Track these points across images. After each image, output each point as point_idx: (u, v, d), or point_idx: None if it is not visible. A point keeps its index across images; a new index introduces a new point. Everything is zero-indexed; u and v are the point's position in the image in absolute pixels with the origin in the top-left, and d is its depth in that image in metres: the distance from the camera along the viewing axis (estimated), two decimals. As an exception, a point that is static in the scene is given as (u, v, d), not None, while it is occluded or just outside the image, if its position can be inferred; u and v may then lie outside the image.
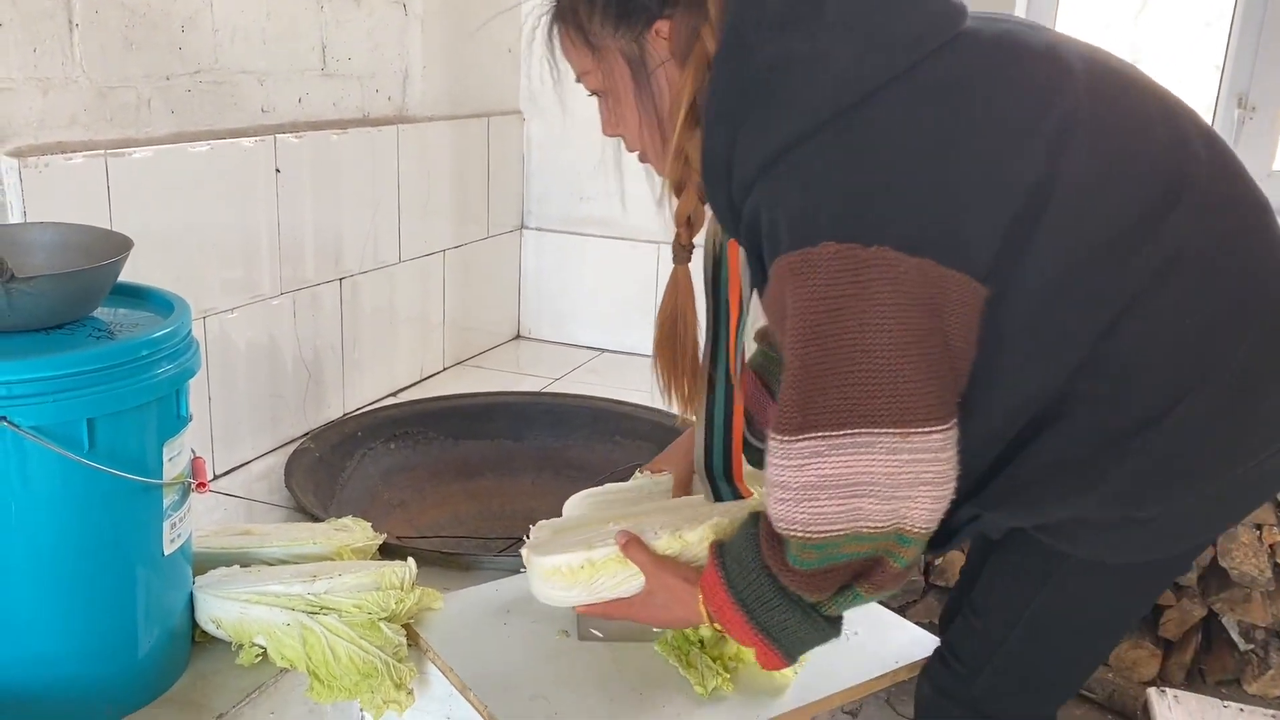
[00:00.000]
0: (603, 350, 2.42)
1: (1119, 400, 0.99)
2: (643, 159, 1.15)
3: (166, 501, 1.07)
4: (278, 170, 1.66)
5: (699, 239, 1.17)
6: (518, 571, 1.38)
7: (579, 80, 1.13)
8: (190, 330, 1.09)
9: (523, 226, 2.43)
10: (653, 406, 1.93)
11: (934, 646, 1.26)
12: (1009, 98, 0.96)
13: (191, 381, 1.09)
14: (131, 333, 1.04)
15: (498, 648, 1.21)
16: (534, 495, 1.75)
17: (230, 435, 1.65)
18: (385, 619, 1.17)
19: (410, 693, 1.14)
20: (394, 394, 2.05)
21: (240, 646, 1.16)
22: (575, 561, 1.13)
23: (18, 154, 1.27)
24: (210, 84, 1.54)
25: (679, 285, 1.18)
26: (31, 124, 1.30)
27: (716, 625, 1.07)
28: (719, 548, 1.08)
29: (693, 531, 1.13)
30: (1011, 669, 1.18)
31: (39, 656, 1.01)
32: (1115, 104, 0.99)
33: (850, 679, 1.20)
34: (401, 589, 1.19)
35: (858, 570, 0.99)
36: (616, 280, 2.38)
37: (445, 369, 2.23)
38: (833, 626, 1.05)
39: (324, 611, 1.15)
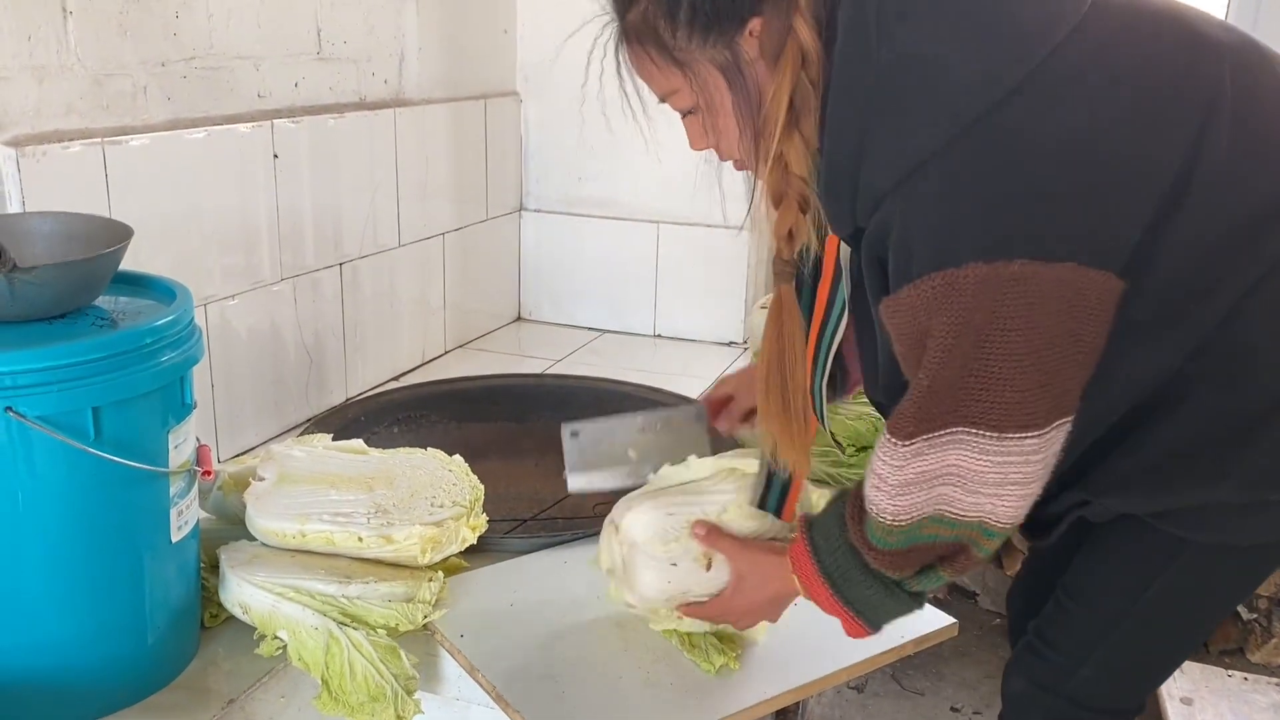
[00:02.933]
0: (604, 331, 2.42)
1: (1243, 382, 0.97)
2: (740, 167, 1.08)
3: (173, 489, 1.07)
4: (275, 156, 1.65)
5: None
6: (524, 553, 1.39)
7: (663, 101, 1.06)
8: (193, 318, 1.08)
9: (522, 208, 2.43)
10: (654, 386, 1.94)
11: (944, 623, 1.26)
12: (1150, 81, 0.92)
13: (194, 369, 1.09)
14: (134, 321, 1.04)
15: (505, 629, 1.22)
16: (538, 477, 1.75)
17: (234, 422, 1.65)
18: (410, 631, 1.17)
19: None
20: (396, 378, 2.05)
21: (263, 637, 1.16)
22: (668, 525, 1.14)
23: (15, 143, 1.26)
24: (206, 70, 1.53)
25: (785, 307, 1.09)
26: (28, 113, 1.29)
27: (807, 597, 1.08)
28: (807, 521, 1.08)
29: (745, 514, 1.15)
30: (1119, 658, 1.15)
31: (49, 643, 1.02)
32: (1259, 82, 0.95)
33: (856, 654, 1.20)
34: (431, 604, 1.19)
35: (941, 553, 1.00)
36: (616, 260, 2.38)
37: (447, 352, 2.23)
38: (915, 600, 1.05)
39: (354, 623, 1.14)
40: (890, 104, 0.91)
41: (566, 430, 1.32)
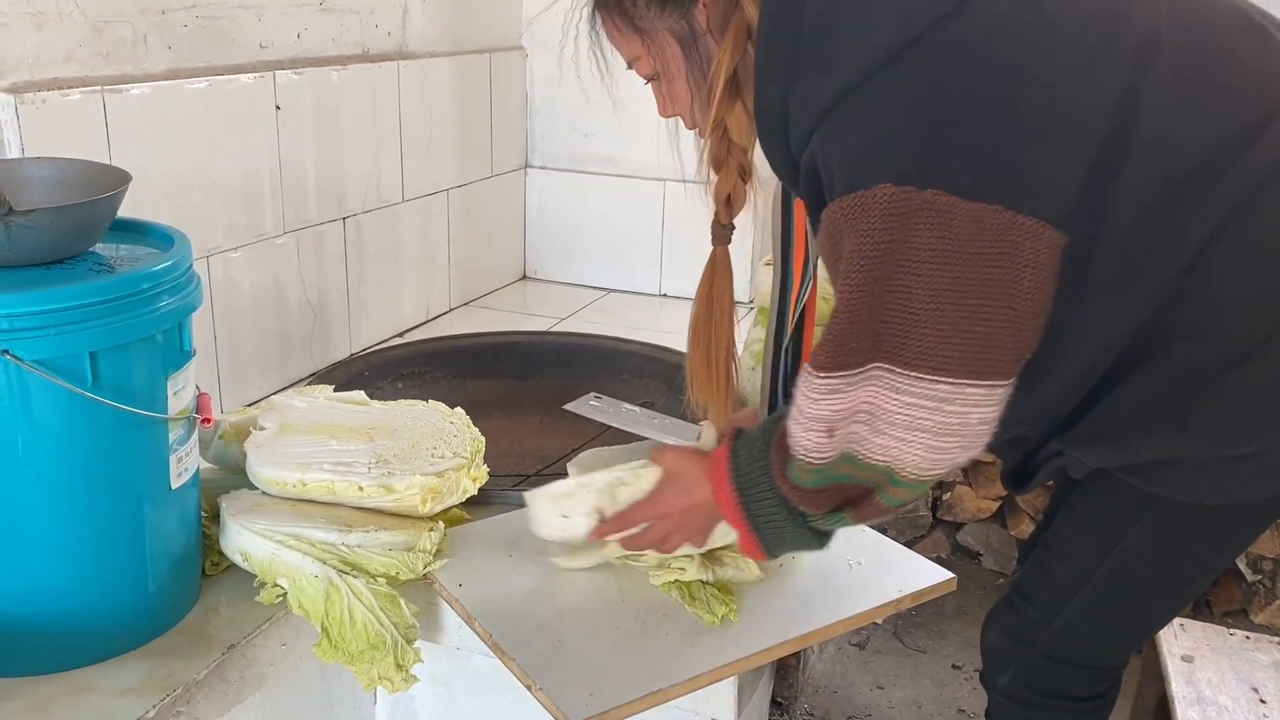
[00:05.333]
0: (609, 290, 2.41)
1: (1211, 334, 0.95)
2: (692, 127, 1.11)
3: (172, 436, 1.07)
4: (278, 107, 1.64)
5: (739, 219, 1.14)
6: (525, 506, 1.39)
7: (630, 67, 1.09)
8: (191, 264, 1.08)
9: (527, 165, 2.41)
10: (660, 345, 1.93)
11: (942, 577, 1.26)
12: (1080, 21, 0.91)
13: (197, 322, 1.09)
14: (132, 266, 1.04)
15: (503, 579, 1.22)
16: (541, 434, 1.75)
17: (237, 375, 1.65)
18: (410, 580, 1.17)
19: (407, 678, 1.12)
20: (400, 334, 2.05)
21: (263, 585, 1.16)
22: (566, 487, 1.16)
23: (14, 90, 1.25)
24: (207, 19, 1.52)
25: (717, 267, 1.14)
26: (26, 60, 1.28)
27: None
28: (735, 433, 1.08)
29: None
30: (1090, 614, 1.15)
31: (50, 589, 1.02)
32: (1198, 21, 0.94)
33: (854, 607, 1.21)
34: (431, 553, 1.20)
35: (850, 496, 1.00)
36: (622, 219, 2.37)
37: (451, 310, 2.22)
38: (816, 537, 1.06)
39: (354, 572, 1.14)
40: (814, 47, 0.92)
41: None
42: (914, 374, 0.89)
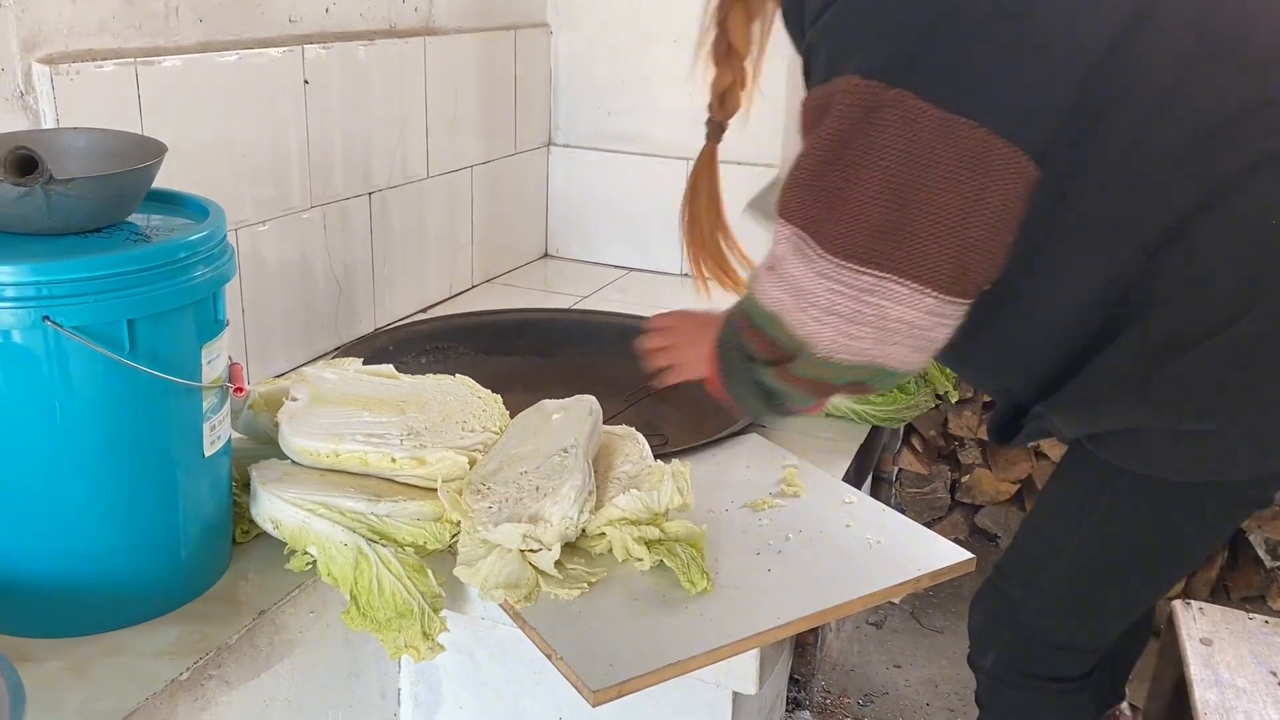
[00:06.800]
0: (631, 269, 2.42)
1: (1184, 308, 0.95)
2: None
3: (206, 404, 1.08)
4: (306, 82, 1.65)
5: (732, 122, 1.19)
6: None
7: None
8: (225, 235, 1.09)
9: (550, 143, 2.41)
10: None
11: (961, 558, 1.27)
12: None
13: (227, 292, 1.10)
14: (168, 236, 1.05)
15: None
16: (563, 410, 1.76)
17: (264, 348, 1.66)
18: (437, 550, 1.19)
19: (433, 646, 1.13)
20: (424, 310, 2.06)
21: (293, 552, 1.18)
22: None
23: (49, 60, 1.27)
24: (237, -8, 1.53)
25: (702, 161, 1.21)
26: (61, 30, 1.29)
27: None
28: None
29: None
30: (1061, 592, 1.15)
31: (85, 552, 1.04)
32: None
33: (873, 584, 1.21)
34: (458, 524, 1.20)
35: (775, 356, 1.04)
36: (645, 197, 2.37)
37: (474, 286, 2.23)
38: (756, 390, 1.09)
39: (383, 541, 1.16)
40: None
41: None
42: (825, 254, 0.93)
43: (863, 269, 0.91)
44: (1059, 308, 0.98)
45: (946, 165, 0.88)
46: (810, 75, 1.00)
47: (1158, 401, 0.98)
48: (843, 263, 0.92)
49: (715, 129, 1.18)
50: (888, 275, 0.91)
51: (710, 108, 1.16)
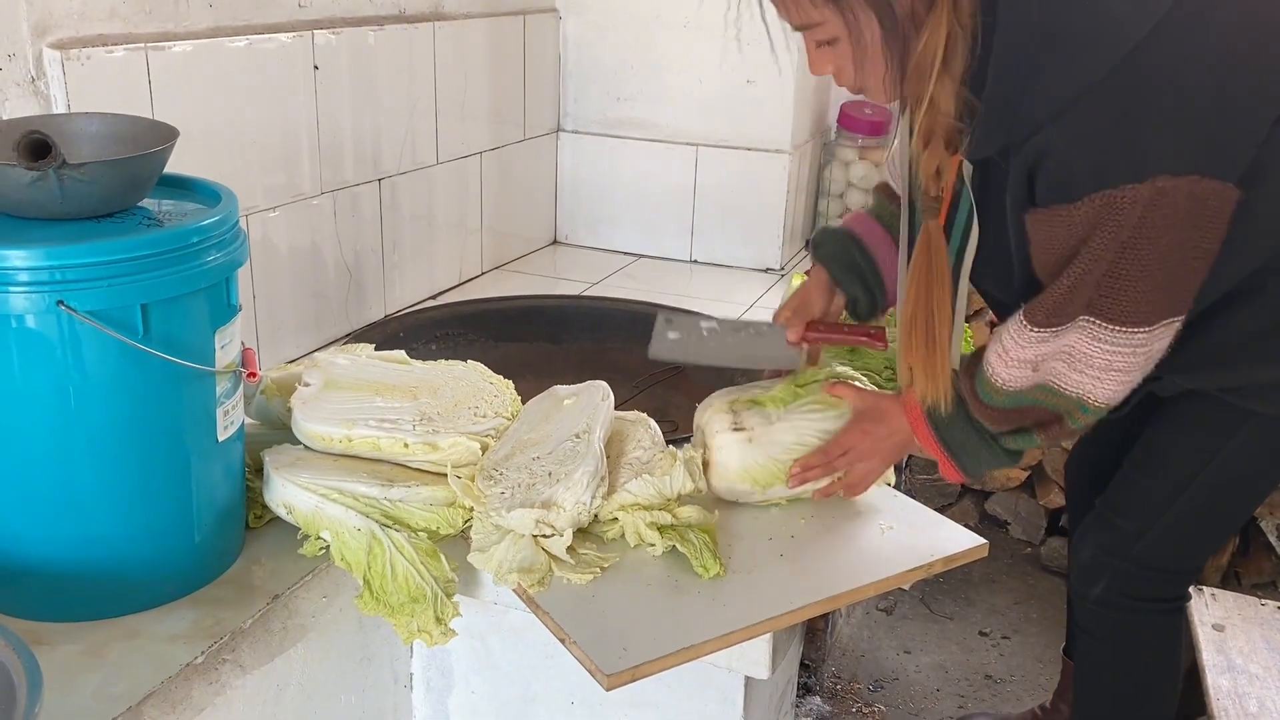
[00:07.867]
0: (640, 256, 2.41)
1: None
2: (857, 91, 1.15)
3: (219, 389, 1.09)
4: (316, 67, 1.65)
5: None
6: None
7: (799, 29, 1.11)
8: (237, 220, 1.09)
9: (559, 129, 2.41)
10: (690, 310, 1.93)
11: (973, 543, 1.27)
12: (1268, 19, 1.03)
13: (238, 277, 1.10)
14: (180, 221, 1.05)
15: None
16: (573, 396, 1.76)
17: (275, 334, 1.67)
18: (450, 535, 1.19)
19: (446, 631, 1.13)
20: (434, 296, 2.06)
21: (306, 537, 1.18)
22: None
23: (60, 45, 1.26)
24: (247, -23, 1.52)
25: (933, 243, 1.15)
26: (72, 15, 1.29)
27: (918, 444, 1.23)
28: None
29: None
30: (1183, 523, 1.29)
31: (100, 537, 1.04)
32: None
33: (886, 569, 1.21)
34: (470, 509, 1.20)
35: (1039, 419, 1.15)
36: (654, 184, 2.36)
37: (484, 273, 2.23)
38: (1009, 456, 1.20)
39: (396, 526, 1.16)
40: (1053, 40, 1.00)
41: (661, 317, 1.43)
42: (1118, 328, 1.06)
43: (1138, 329, 1.06)
44: (1206, 298, 1.12)
45: (1206, 227, 1.03)
46: (1019, 177, 1.07)
47: None
48: (1133, 330, 1.06)
49: (934, 206, 1.16)
50: (1156, 327, 1.07)
51: (925, 188, 1.15)
